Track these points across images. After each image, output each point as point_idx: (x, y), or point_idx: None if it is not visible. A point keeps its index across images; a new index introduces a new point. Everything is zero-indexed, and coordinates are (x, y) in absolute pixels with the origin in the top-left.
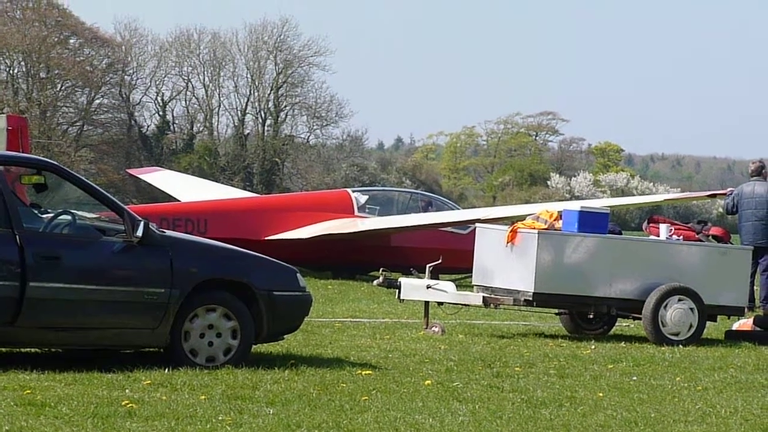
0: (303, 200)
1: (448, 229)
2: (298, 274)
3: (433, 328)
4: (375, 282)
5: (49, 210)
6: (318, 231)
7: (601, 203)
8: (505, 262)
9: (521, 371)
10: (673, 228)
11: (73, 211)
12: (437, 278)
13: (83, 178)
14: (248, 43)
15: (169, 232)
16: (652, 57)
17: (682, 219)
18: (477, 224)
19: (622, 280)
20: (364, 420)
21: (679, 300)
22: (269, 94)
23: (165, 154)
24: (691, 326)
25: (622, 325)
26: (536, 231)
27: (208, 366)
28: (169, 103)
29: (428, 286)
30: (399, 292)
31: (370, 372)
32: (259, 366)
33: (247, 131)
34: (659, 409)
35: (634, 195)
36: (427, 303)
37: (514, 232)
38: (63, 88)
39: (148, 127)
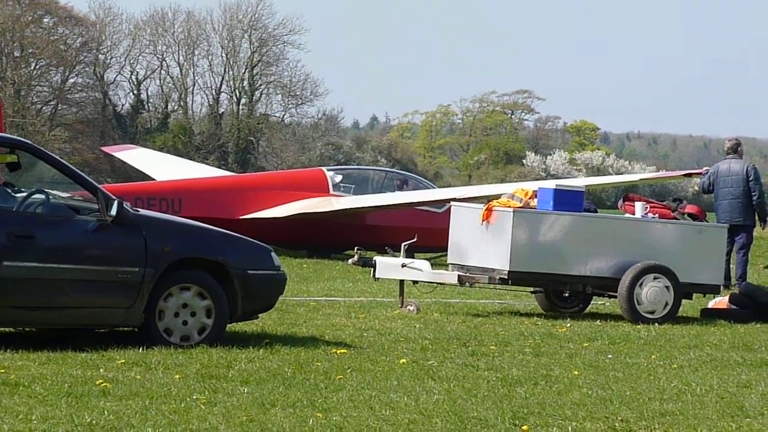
0: (278, 179)
1: (424, 207)
2: (273, 253)
3: (408, 307)
4: (350, 261)
5: (22, 189)
6: (293, 210)
7: (577, 182)
8: (481, 241)
9: (496, 350)
10: (648, 206)
11: (46, 190)
12: (412, 257)
13: (57, 157)
14: (223, 22)
15: (143, 211)
16: (628, 35)
17: (658, 197)
18: (452, 203)
19: (597, 259)
20: (339, 398)
21: (655, 278)
22: (244, 73)
23: (140, 133)
24: (666, 304)
25: (598, 304)
26: (511, 209)
27: (182, 345)
28: (144, 82)
29: (403, 265)
30: (374, 271)
31: (345, 351)
32: (233, 345)
33: (221, 110)
34: (635, 387)
35: (609, 173)
36: (402, 282)
37: (489, 211)
38: (37, 67)
39: (122, 106)
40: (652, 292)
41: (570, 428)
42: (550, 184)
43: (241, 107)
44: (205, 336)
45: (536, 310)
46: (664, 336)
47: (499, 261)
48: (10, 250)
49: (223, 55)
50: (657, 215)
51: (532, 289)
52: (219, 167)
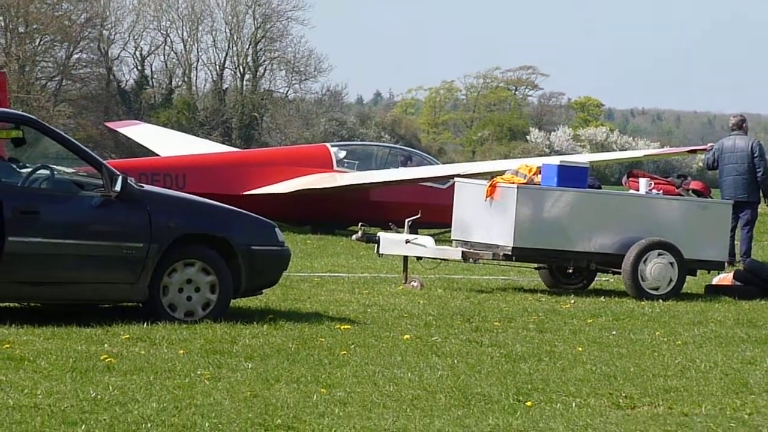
0: (282, 155)
1: (427, 183)
2: (277, 229)
3: (412, 283)
4: (354, 237)
5: (27, 164)
6: (297, 186)
7: (581, 159)
8: (485, 217)
9: (500, 326)
10: (652, 182)
11: (51, 165)
12: (416, 233)
13: (62, 132)
14: None
15: (147, 187)
16: (631, 10)
17: (662, 173)
18: (456, 179)
19: (601, 235)
20: (343, 374)
21: (659, 254)
22: (248, 49)
23: (144, 108)
24: (670, 281)
25: (602, 280)
26: (515, 185)
27: (186, 320)
28: (148, 58)
29: (407, 241)
30: (378, 247)
31: (349, 327)
32: (237, 320)
33: (225, 86)
34: (639, 363)
35: (613, 149)
36: (406, 258)
37: (493, 187)
38: (41, 42)
39: (126, 82)
40: (656, 268)
41: (574, 404)
42: (554, 160)
43: (245, 83)
44: (209, 311)
45: (540, 287)
46: (669, 312)
47: (503, 237)
48: (15, 226)
49: (227, 30)
50: (661, 191)
51: (536, 265)
52: (223, 143)
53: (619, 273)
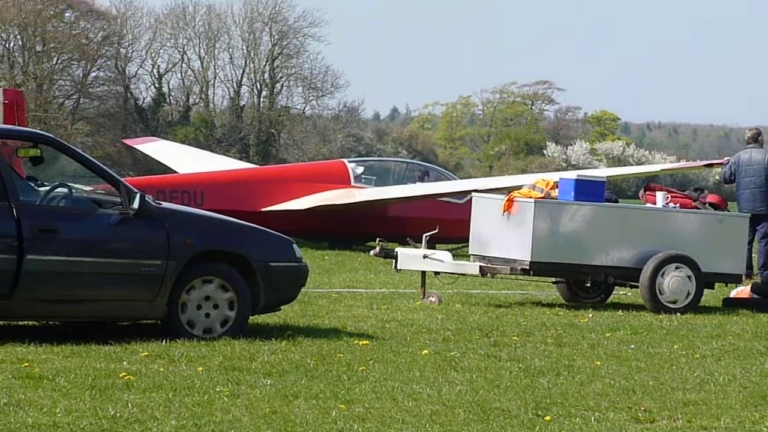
0: (299, 171)
1: (445, 198)
2: (295, 245)
3: (430, 298)
4: (372, 252)
5: (45, 183)
6: (314, 202)
7: (598, 173)
8: (502, 232)
9: (519, 340)
10: (669, 196)
11: (69, 183)
12: (434, 248)
13: (79, 150)
14: (243, 15)
15: (165, 204)
16: (648, 25)
17: (679, 187)
18: (473, 194)
19: (619, 249)
20: (362, 390)
21: (677, 268)
22: (265, 66)
23: (161, 126)
24: (688, 294)
25: (620, 294)
26: (533, 200)
27: (205, 337)
28: (165, 76)
29: (425, 256)
30: (396, 263)
31: (368, 342)
32: (256, 337)
33: (242, 103)
34: (657, 377)
35: (630, 163)
36: (423, 273)
37: (510, 201)
38: (59, 61)
39: (144, 99)
40: (674, 281)
41: (593, 418)
42: (571, 174)
43: (262, 100)
44: (227, 328)
45: (558, 301)
46: (687, 325)
47: (521, 252)
48: (33, 244)
49: (244, 47)
50: (678, 205)
51: (553, 279)
52: (240, 160)
53: (637, 287)
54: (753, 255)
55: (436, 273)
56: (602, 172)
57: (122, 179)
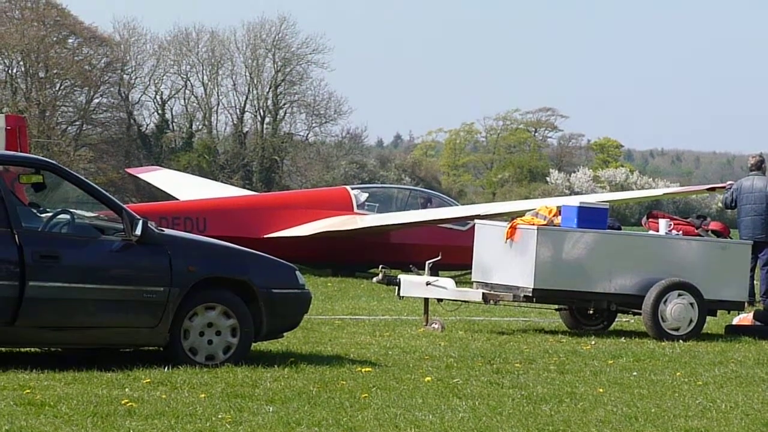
0: (302, 198)
1: (448, 225)
2: (297, 272)
3: (433, 325)
4: (374, 279)
5: (48, 209)
6: (317, 228)
7: (599, 197)
8: (505, 259)
9: (521, 367)
10: (672, 223)
11: (72, 210)
12: (437, 275)
13: (82, 177)
14: (246, 41)
15: (168, 231)
16: (651, 52)
17: (682, 214)
18: (476, 220)
19: (621, 276)
20: (365, 417)
21: (679, 295)
22: (268, 92)
23: (164, 152)
24: (691, 321)
25: (622, 321)
26: (535, 227)
27: (207, 364)
28: (168, 102)
29: (428, 283)
30: (398, 289)
31: (370, 369)
32: (258, 364)
33: (246, 129)
34: (660, 404)
35: (633, 190)
36: (426, 300)
37: (513, 228)
38: (62, 87)
39: (147, 125)
40: (676, 308)
41: None
42: (574, 201)
43: (265, 126)
44: (230, 355)
45: (561, 328)
46: (689, 353)
47: (524, 279)
48: (35, 271)
49: (247, 74)
50: (681, 232)
51: (556, 306)
52: (243, 186)
53: (640, 314)
54: (755, 282)
55: (439, 300)
56: (605, 196)
57: (125, 206)
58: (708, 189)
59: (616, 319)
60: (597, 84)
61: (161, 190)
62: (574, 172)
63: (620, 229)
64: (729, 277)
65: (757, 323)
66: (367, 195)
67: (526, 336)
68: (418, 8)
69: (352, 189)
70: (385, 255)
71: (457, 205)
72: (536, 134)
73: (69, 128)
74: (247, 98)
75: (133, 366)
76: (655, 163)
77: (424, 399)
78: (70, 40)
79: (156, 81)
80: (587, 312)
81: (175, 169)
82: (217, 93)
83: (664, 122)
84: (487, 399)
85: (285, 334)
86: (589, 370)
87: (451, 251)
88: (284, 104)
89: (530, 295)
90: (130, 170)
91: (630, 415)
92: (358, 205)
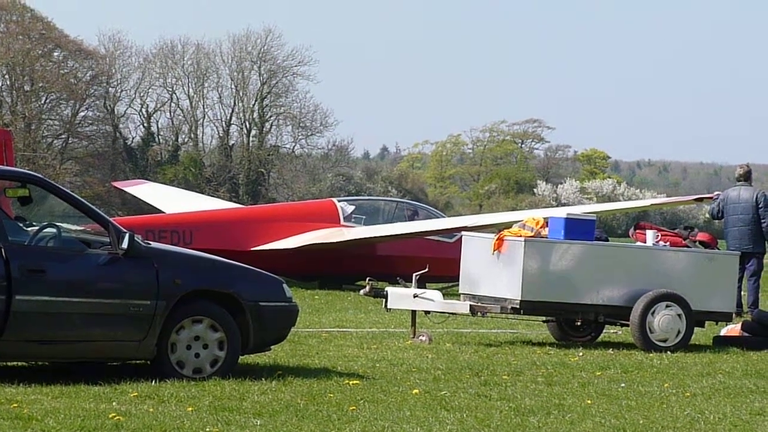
0: (289, 210)
1: (435, 237)
2: (284, 285)
3: (421, 337)
4: (362, 291)
5: (34, 223)
6: (304, 241)
7: (587, 209)
8: (492, 270)
9: (509, 379)
10: (659, 234)
11: (58, 223)
12: (424, 287)
13: (68, 190)
14: (232, 54)
15: (154, 244)
16: (637, 63)
17: (669, 225)
18: (463, 232)
19: (609, 287)
20: (352, 430)
21: (667, 306)
22: (254, 105)
23: (150, 165)
24: (679, 332)
25: (610, 332)
26: (523, 239)
27: (194, 377)
28: (154, 115)
29: (415, 295)
30: (386, 302)
31: (358, 382)
32: (246, 377)
33: (232, 142)
34: (648, 415)
35: (621, 201)
36: (414, 312)
37: (500, 240)
38: (47, 100)
39: (133, 139)
40: (664, 320)
41: None
42: (561, 212)
43: (251, 139)
44: (217, 368)
45: (548, 339)
46: (677, 364)
47: (511, 290)
48: (22, 284)
49: (233, 87)
50: (668, 243)
51: (544, 318)
52: (230, 199)
53: (628, 325)
54: (743, 293)
55: (427, 312)
56: (592, 207)
57: (111, 219)
58: (695, 199)
59: (604, 331)
60: (584, 95)
61: (147, 204)
62: (561, 183)
63: (607, 240)
64: (717, 288)
65: (745, 334)
66: (353, 207)
67: (514, 348)
68: (404, 21)
69: (339, 201)
70: (372, 267)
71: (443, 217)
72: (523, 146)
73: (55, 141)
74: (233, 111)
75: (121, 379)
76: (642, 174)
77: (411, 411)
78: (55, 54)
79: (141, 94)
80: (575, 323)
81: (161, 182)
82: (203, 106)
83: (650, 133)
84: (474, 411)
85: (272, 347)
86: (577, 381)
87: (438, 263)
88: (270, 117)
89: (518, 306)
90: (117, 183)
91: (618, 427)
92: (344, 218)
